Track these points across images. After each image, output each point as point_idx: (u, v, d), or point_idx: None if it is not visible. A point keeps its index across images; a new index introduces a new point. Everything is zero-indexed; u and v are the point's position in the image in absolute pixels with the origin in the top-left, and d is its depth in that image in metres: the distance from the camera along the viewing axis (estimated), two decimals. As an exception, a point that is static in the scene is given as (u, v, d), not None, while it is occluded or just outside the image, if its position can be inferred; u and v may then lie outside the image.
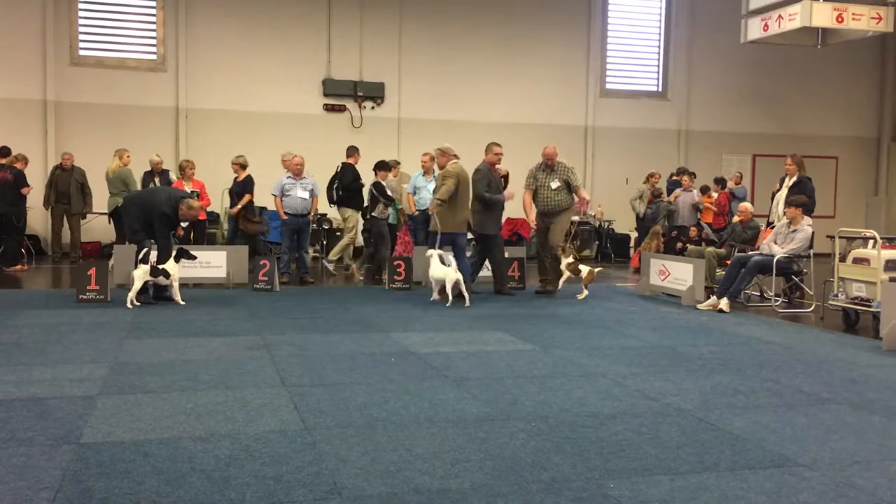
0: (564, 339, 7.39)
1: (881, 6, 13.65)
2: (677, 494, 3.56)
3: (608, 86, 18.35)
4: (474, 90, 17.15)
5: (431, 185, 12.07)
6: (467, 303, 9.36)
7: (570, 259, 10.42)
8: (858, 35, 14.38)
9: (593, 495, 3.53)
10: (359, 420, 4.60)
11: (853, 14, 13.41)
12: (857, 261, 8.64)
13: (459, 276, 9.36)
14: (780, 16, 13.81)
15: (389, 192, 12.03)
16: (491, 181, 10.36)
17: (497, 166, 10.55)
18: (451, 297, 9.41)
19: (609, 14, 18.29)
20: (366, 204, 12.16)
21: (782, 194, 10.62)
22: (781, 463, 4.00)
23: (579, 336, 7.61)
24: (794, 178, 10.63)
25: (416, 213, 12.04)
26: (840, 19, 13.39)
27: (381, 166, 12.06)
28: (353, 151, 12.25)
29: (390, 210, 12.38)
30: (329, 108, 16.52)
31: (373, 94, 16.62)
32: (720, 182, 15.32)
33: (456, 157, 10.16)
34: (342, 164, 12.13)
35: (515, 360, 6.43)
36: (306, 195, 11.28)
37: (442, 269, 9.48)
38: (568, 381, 5.68)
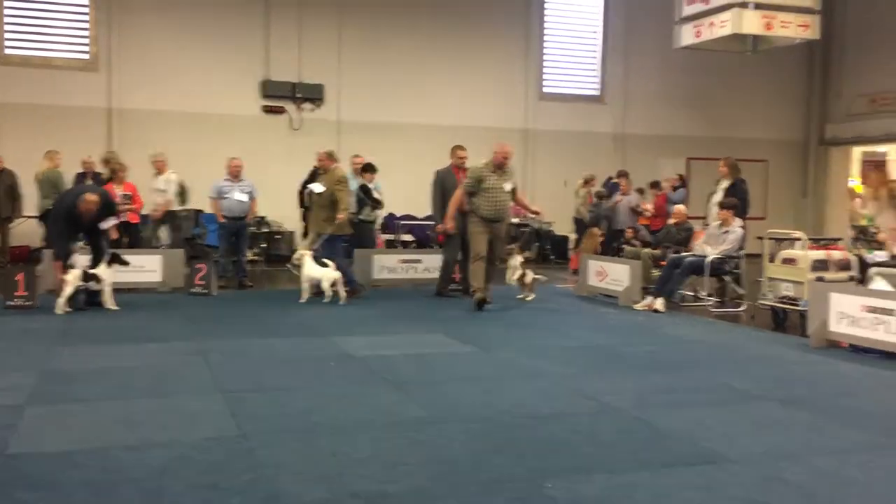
0: (505, 341, 7.44)
1: (808, 14, 14.09)
2: (612, 492, 3.62)
3: (546, 89, 18.53)
4: (414, 93, 17.13)
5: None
6: (341, 301, 9.52)
7: (521, 258, 10.59)
8: (787, 42, 14.81)
9: (531, 495, 3.57)
10: (297, 425, 4.56)
11: (781, 22, 13.81)
12: (785, 261, 8.90)
13: (338, 274, 9.57)
14: (711, 22, 14.14)
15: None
16: (445, 185, 10.45)
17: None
18: (329, 295, 9.53)
19: (546, 19, 18.46)
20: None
21: (717, 197, 10.88)
22: (712, 459, 4.10)
23: (519, 337, 7.68)
24: (729, 181, 10.90)
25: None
26: (769, 26, 13.78)
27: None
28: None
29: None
30: (267, 110, 16.31)
31: (312, 95, 16.47)
32: (656, 185, 15.62)
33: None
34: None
35: (456, 362, 6.45)
36: (245, 198, 11.11)
37: (319, 269, 9.63)
38: (507, 382, 5.73)
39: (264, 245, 14.88)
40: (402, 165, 13.42)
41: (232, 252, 11.30)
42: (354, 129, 16.59)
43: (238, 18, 16.10)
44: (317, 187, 10.21)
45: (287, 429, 4.48)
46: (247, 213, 11.23)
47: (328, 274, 9.57)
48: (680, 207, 11.56)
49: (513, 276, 10.44)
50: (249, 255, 11.99)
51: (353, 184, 11.99)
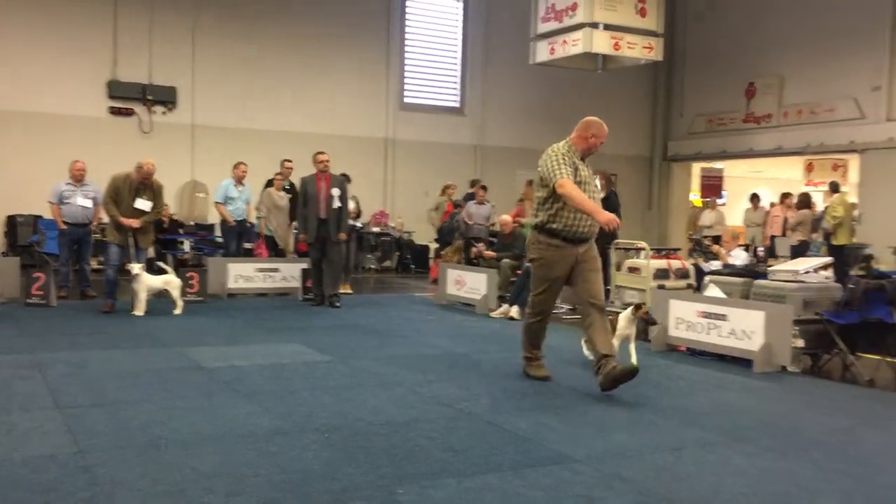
0: (362, 349, 7.41)
1: (652, 37, 14.94)
2: (463, 495, 3.67)
3: (407, 100, 18.68)
4: (274, 99, 16.83)
5: (246, 195, 11.92)
6: (178, 309, 9.27)
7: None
8: (633, 62, 15.65)
9: (383, 502, 3.57)
10: (140, 440, 4.36)
11: (628, 42, 14.57)
12: (630, 270, 9.36)
13: (179, 281, 9.42)
14: (564, 41, 14.73)
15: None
16: (307, 191, 10.38)
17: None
18: (179, 304, 9.28)
19: (408, 30, 18.64)
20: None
21: None
22: (559, 459, 4.24)
23: (377, 346, 7.67)
24: (603, 194, 11.35)
25: (234, 223, 11.68)
26: (617, 47, 14.50)
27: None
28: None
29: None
30: (115, 112, 15.56)
31: (164, 98, 15.83)
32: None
33: None
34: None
35: (312, 371, 6.36)
36: (88, 203, 10.51)
37: (160, 277, 9.39)
38: (364, 391, 5.71)
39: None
40: (261, 172, 13.12)
41: (74, 260, 10.68)
42: (210, 133, 16.14)
43: (83, 15, 15.28)
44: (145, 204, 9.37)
45: (128, 444, 4.27)
46: (90, 219, 10.65)
47: (172, 281, 9.27)
48: (505, 218, 11.76)
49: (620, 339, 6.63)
50: (93, 264, 11.35)
51: (233, 191, 11.75)
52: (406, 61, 18.67)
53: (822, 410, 5.56)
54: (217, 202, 11.73)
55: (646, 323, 6.92)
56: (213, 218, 15.83)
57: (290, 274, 11.34)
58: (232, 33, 16.45)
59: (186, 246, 14.55)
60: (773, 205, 18.13)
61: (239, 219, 11.81)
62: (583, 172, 6.09)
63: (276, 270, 11.40)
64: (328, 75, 17.42)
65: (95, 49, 15.35)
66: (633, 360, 6.16)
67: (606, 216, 5.63)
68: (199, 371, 6.22)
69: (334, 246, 10.55)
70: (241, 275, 11.19)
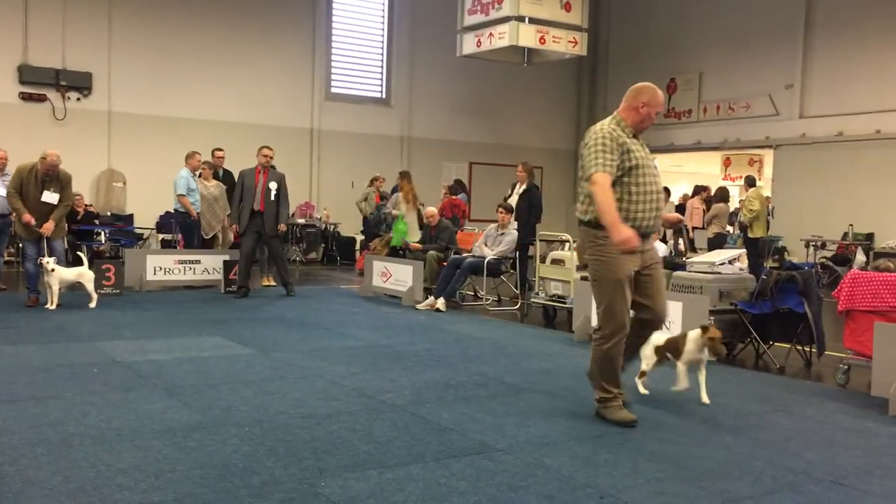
0: (285, 342, 7.32)
1: (577, 31, 15.16)
2: (385, 487, 3.67)
3: (333, 90, 18.51)
4: (196, 87, 16.43)
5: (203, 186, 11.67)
6: (92, 303, 9.03)
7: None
8: (558, 56, 15.86)
9: (304, 495, 3.53)
10: (52, 437, 4.21)
11: (553, 37, 14.75)
12: (554, 262, 9.49)
13: (92, 273, 9.20)
14: (491, 33, 14.82)
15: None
16: (245, 184, 10.35)
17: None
18: (94, 297, 9.04)
19: (334, 20, 18.44)
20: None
21: (513, 200, 11.39)
22: (481, 450, 4.27)
23: (300, 338, 7.59)
24: (525, 186, 11.46)
25: (197, 216, 11.41)
26: (542, 40, 14.67)
27: None
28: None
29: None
30: (26, 98, 14.94)
31: (78, 84, 15.27)
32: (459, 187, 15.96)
33: None
34: None
35: (233, 364, 6.25)
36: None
37: (73, 269, 9.15)
38: (286, 384, 5.64)
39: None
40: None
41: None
42: (127, 121, 15.68)
43: (-8, -5, 14.64)
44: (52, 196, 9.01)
45: (39, 441, 4.12)
46: (10, 210, 10.17)
47: (86, 273, 9.00)
48: (430, 210, 11.79)
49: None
50: (5, 256, 10.90)
51: (193, 182, 11.48)
52: (333, 51, 18.48)
53: (735, 397, 5.75)
54: (180, 194, 11.30)
55: (710, 351, 5.37)
56: (132, 208, 15.42)
57: (212, 266, 11.11)
58: (151, 17, 15.97)
59: (102, 237, 14.09)
60: (686, 197, 18.59)
61: (197, 211, 11.48)
62: (637, 154, 4.89)
63: (197, 262, 11.15)
64: (252, 63, 17.11)
65: (4, 31, 14.71)
66: (704, 396, 5.40)
67: (620, 236, 4.59)
68: (114, 366, 6.03)
69: (273, 239, 10.64)
70: (161, 266, 10.92)
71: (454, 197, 14.98)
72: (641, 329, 5.09)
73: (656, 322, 5.08)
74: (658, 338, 5.53)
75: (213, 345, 7.06)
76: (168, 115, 15.99)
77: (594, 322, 7.78)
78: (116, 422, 4.54)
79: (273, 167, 10.62)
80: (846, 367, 6.32)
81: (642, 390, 5.62)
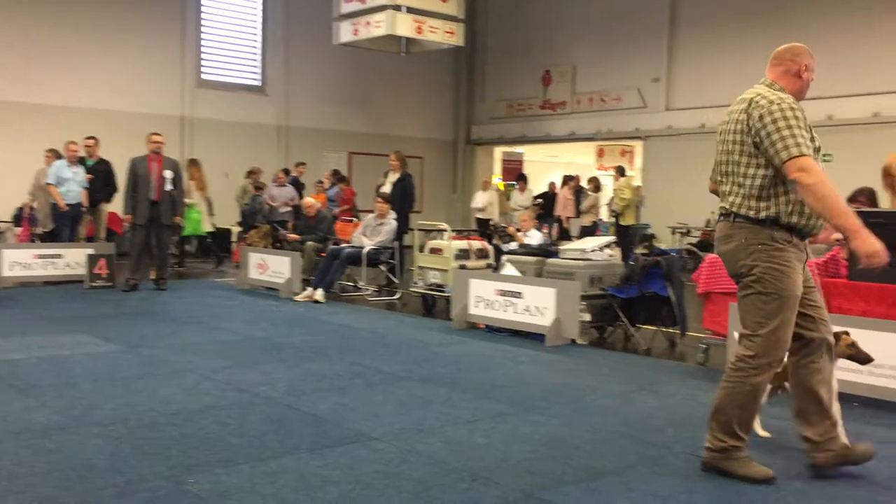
0: (154, 337, 7.06)
1: (454, 22, 15.27)
2: (257, 480, 3.60)
3: (205, 76, 17.92)
4: (50, 70, 15.49)
5: (81, 176, 11.10)
6: None
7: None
8: (435, 46, 15.93)
9: (171, 493, 3.42)
10: None
11: (430, 27, 14.81)
12: (432, 251, 9.56)
13: None
14: (367, 22, 14.73)
15: None
16: (137, 172, 9.99)
17: None
18: None
19: (203, 5, 17.82)
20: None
21: (386, 189, 11.35)
22: (357, 438, 4.26)
23: (170, 333, 7.33)
24: (398, 175, 11.44)
25: (66, 207, 10.76)
26: (419, 30, 14.70)
27: None
28: None
29: None
30: None
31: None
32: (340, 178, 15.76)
33: None
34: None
35: (96, 362, 5.98)
36: None
37: None
38: (154, 380, 5.44)
39: None
40: (37, 151, 12.10)
41: None
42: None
43: None
44: None
45: None
46: None
47: None
48: (308, 200, 11.72)
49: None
50: None
51: (66, 171, 10.86)
52: (203, 35, 17.86)
53: (603, 378, 5.97)
54: (48, 183, 10.71)
55: (854, 360, 4.28)
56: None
57: (74, 260, 10.56)
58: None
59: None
60: (553, 186, 18.92)
61: (73, 202, 11.00)
62: (817, 140, 3.79)
63: (58, 257, 10.58)
64: (117, 47, 16.33)
65: None
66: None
67: (870, 247, 3.49)
68: (-35, 367, 5.66)
69: (165, 229, 10.33)
70: (18, 262, 10.29)
71: (346, 187, 14.89)
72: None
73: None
74: None
75: (74, 342, 6.72)
76: (28, 102, 15.10)
77: (470, 309, 7.93)
78: (-35, 426, 4.26)
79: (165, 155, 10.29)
80: (705, 346, 6.66)
81: None
